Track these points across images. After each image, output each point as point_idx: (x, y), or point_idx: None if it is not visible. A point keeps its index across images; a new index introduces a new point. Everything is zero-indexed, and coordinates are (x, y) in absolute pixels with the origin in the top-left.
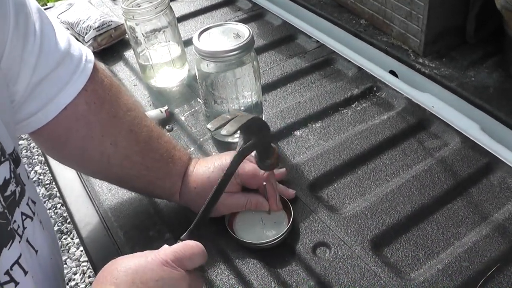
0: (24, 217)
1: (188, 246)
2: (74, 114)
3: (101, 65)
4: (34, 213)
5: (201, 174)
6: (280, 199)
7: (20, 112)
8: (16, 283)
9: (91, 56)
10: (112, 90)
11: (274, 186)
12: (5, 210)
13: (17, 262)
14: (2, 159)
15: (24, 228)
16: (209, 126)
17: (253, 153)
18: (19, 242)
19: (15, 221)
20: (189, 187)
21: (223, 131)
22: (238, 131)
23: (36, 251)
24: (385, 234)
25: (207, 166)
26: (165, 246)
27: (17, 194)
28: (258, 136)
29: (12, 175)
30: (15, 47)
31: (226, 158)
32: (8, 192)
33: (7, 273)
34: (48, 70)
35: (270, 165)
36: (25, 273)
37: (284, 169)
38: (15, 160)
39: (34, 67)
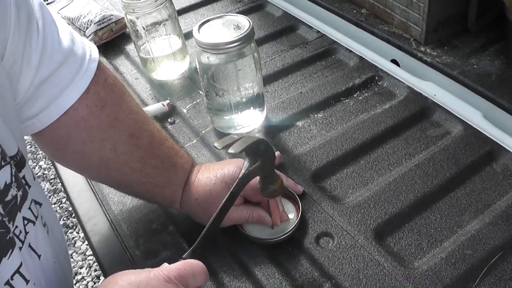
0: (26, 221)
1: (191, 264)
2: (74, 118)
3: (105, 66)
4: (36, 217)
5: (203, 185)
6: (289, 194)
7: (22, 113)
8: None
9: (95, 54)
10: (114, 91)
11: (277, 200)
12: (4, 219)
13: (17, 271)
14: (3, 163)
15: (26, 233)
16: (216, 144)
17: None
18: (20, 248)
19: (16, 227)
20: (191, 197)
21: (231, 150)
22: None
23: (39, 256)
24: (388, 223)
25: (209, 177)
26: (166, 264)
27: (19, 199)
28: (264, 158)
29: (14, 179)
30: (17, 45)
31: (228, 168)
32: (9, 197)
33: (7, 283)
34: (50, 70)
35: (273, 192)
36: (27, 282)
37: (278, 152)
38: (19, 162)
39: (37, 67)
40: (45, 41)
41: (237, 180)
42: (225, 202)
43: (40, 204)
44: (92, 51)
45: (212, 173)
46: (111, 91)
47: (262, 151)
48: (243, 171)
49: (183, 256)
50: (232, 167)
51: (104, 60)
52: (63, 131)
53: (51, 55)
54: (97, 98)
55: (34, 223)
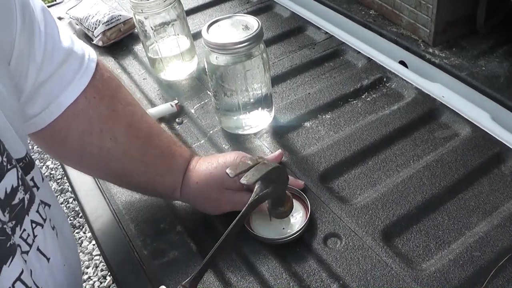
0: (34, 225)
1: None
2: (74, 110)
3: (103, 62)
4: (45, 220)
5: (204, 169)
6: (298, 194)
7: (24, 112)
8: None
9: (93, 55)
10: (112, 84)
11: None
12: (5, 226)
13: (19, 278)
14: (9, 167)
15: (35, 236)
16: (228, 171)
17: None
18: (28, 252)
19: (24, 230)
20: (191, 182)
21: (243, 180)
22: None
23: (48, 259)
24: (396, 225)
25: (210, 162)
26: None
27: (26, 202)
28: (277, 184)
29: (20, 183)
30: (23, 47)
31: (230, 155)
32: (16, 201)
33: None
34: (52, 69)
35: (282, 213)
36: None
37: (280, 150)
38: (28, 164)
39: (40, 66)
40: (46, 42)
41: (247, 204)
42: (233, 226)
43: (49, 206)
44: (90, 52)
45: (214, 160)
46: (108, 85)
47: (275, 177)
48: (253, 195)
49: (183, 283)
50: (234, 155)
51: (112, 60)
52: (62, 124)
53: (52, 54)
54: (94, 91)
55: (42, 226)
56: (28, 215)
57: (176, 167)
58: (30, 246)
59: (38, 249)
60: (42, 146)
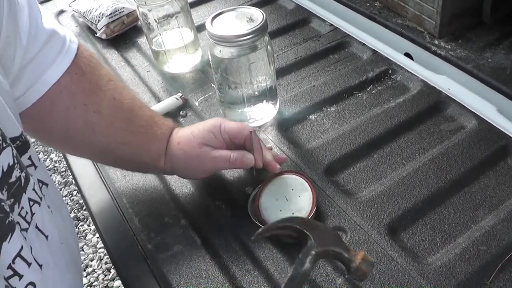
0: (31, 203)
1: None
2: (58, 88)
3: (83, 45)
4: (41, 198)
5: (185, 131)
6: (305, 185)
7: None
8: (20, 276)
9: (75, 39)
10: (92, 61)
11: (260, 141)
12: (3, 203)
13: (19, 254)
14: (4, 145)
15: (33, 214)
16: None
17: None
18: (27, 230)
19: (22, 208)
20: (173, 144)
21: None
22: None
23: (47, 237)
24: (402, 218)
25: (192, 126)
26: None
27: (23, 180)
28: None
29: (16, 161)
30: (10, 30)
31: (211, 120)
32: (13, 179)
33: (9, 267)
34: (36, 50)
35: (357, 270)
36: (28, 264)
37: (284, 156)
38: (24, 143)
39: (25, 49)
40: (30, 25)
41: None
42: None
43: (47, 185)
44: (72, 36)
45: (195, 124)
46: (89, 62)
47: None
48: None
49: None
50: (215, 119)
51: (115, 52)
52: (47, 102)
53: (35, 36)
54: (76, 67)
55: (39, 204)
56: (25, 193)
57: (160, 134)
58: (29, 223)
59: (36, 227)
60: (29, 127)
